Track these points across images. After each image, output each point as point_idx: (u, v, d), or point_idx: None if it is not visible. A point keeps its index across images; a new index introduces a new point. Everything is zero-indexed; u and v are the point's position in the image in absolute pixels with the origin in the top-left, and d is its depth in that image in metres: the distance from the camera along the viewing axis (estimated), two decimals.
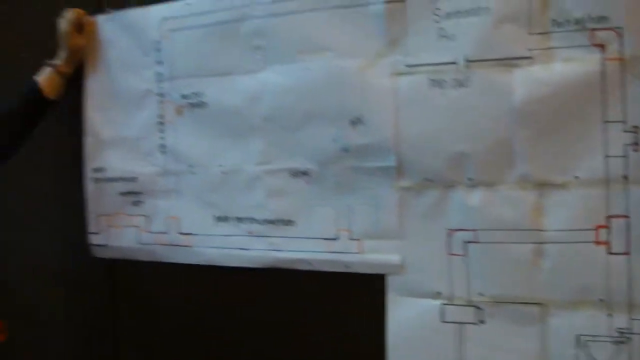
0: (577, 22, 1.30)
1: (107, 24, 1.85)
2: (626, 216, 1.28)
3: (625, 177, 1.28)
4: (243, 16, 1.63)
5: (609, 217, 1.30)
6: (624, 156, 1.28)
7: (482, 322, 1.42)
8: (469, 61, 1.39)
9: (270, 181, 1.63)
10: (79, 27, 1.83)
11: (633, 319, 1.29)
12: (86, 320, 2.04)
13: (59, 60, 1.82)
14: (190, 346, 1.82)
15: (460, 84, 1.40)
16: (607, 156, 1.29)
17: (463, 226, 1.43)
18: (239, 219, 1.68)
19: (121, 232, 1.88)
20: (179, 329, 1.84)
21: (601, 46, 1.28)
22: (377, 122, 1.49)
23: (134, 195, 1.85)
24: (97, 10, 1.87)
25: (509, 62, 1.35)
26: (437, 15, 1.42)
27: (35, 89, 1.79)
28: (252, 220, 1.66)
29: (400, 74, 1.47)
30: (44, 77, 1.80)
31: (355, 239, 1.54)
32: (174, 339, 1.85)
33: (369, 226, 1.53)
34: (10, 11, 2.03)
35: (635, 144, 1.27)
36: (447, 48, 1.42)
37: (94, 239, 1.92)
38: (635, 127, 1.27)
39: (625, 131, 1.28)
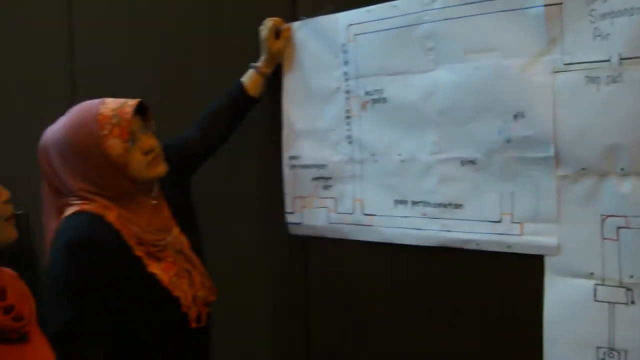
0: None
1: (301, 30, 2.06)
2: None
3: None
4: (417, 21, 1.79)
5: None
6: None
7: (632, 302, 1.49)
8: (622, 59, 1.47)
9: (442, 169, 1.79)
10: (277, 33, 2.07)
11: None
12: (282, 291, 2.30)
13: (260, 62, 2.07)
14: (371, 316, 2.02)
15: (613, 80, 1.48)
16: None
17: (615, 213, 1.51)
18: (415, 202, 1.85)
19: (313, 212, 2.09)
20: (361, 300, 2.04)
21: None
22: (537, 116, 1.60)
23: (324, 180, 2.05)
24: (292, 18, 2.07)
25: None
26: (592, 16, 1.51)
27: (241, 88, 2.05)
28: (426, 203, 1.83)
29: (559, 71, 1.57)
30: (248, 78, 2.06)
31: (517, 222, 1.66)
32: (356, 308, 2.05)
33: (529, 210, 1.64)
34: (223, 24, 2.28)
35: None
36: (601, 47, 1.50)
37: (290, 218, 2.15)
38: None
39: None
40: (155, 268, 1.69)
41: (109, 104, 1.68)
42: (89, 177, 1.67)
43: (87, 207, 1.66)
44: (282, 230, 2.21)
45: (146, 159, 1.69)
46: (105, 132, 1.64)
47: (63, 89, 2.73)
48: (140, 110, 1.71)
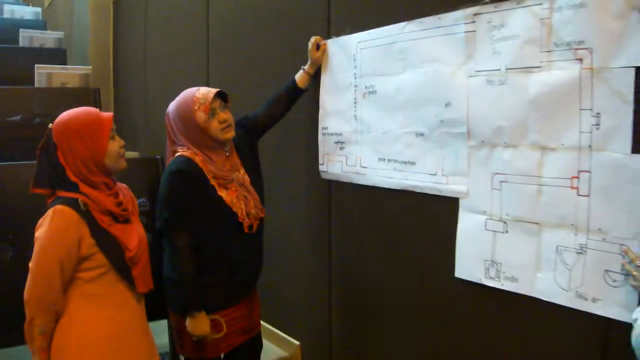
0: (567, 44, 1.45)
1: (332, 45, 2.20)
2: (589, 171, 1.43)
3: (590, 146, 1.43)
4: (394, 40, 1.92)
5: (580, 171, 1.45)
6: (590, 132, 1.42)
7: (506, 232, 1.62)
8: (507, 69, 1.58)
9: (405, 138, 1.90)
10: (318, 46, 2.21)
11: (589, 239, 1.45)
12: (314, 213, 2.40)
13: (307, 65, 2.22)
14: (366, 230, 2.12)
15: (501, 83, 1.59)
16: (581, 132, 1.44)
17: (500, 171, 1.62)
18: (389, 160, 1.97)
19: (334, 164, 2.23)
20: (360, 221, 2.14)
21: (580, 60, 1.42)
22: (458, 105, 1.71)
23: (341, 143, 2.19)
24: (327, 37, 2.22)
25: (528, 69, 1.53)
26: (492, 39, 1.61)
27: (294, 83, 2.21)
28: (395, 161, 1.95)
29: (472, 76, 1.67)
30: (299, 76, 2.22)
31: (445, 175, 1.78)
32: (358, 227, 2.16)
33: (452, 168, 1.76)
34: (286, 42, 2.45)
35: (597, 124, 1.41)
36: (496, 60, 1.60)
37: (321, 168, 2.30)
38: (598, 113, 1.40)
39: (592, 116, 1.42)
40: (222, 193, 1.88)
41: (201, 91, 1.89)
42: (187, 135, 1.90)
43: (185, 152, 1.89)
44: (316, 176, 2.34)
45: (221, 126, 1.88)
46: (196, 107, 1.86)
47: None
48: (223, 95, 1.92)
